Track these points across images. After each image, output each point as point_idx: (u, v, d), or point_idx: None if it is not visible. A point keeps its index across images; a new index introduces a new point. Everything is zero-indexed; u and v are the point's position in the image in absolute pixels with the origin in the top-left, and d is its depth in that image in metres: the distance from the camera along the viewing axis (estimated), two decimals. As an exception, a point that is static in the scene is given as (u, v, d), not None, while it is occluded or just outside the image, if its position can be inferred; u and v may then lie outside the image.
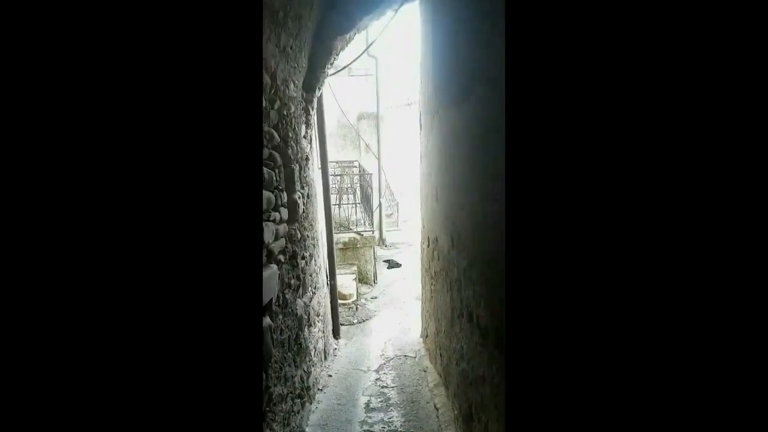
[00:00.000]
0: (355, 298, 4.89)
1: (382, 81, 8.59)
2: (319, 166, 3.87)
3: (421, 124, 3.93)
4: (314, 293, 3.17)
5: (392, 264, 7.51)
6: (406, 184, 16.03)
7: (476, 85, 1.85)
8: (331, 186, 6.23)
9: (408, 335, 4.51)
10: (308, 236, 2.96)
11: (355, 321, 4.71)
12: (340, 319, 4.65)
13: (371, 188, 5.98)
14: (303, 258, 2.77)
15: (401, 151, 15.84)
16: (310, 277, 3.00)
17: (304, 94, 2.92)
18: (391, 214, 11.27)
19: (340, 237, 5.82)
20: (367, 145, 8.36)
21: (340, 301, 4.77)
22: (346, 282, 5.19)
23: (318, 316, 3.29)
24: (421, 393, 3.09)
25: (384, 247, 8.90)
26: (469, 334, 2.15)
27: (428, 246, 3.51)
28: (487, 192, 1.71)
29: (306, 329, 2.82)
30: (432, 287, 3.30)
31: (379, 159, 8.49)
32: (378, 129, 8.52)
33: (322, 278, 3.86)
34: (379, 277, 6.50)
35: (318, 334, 3.26)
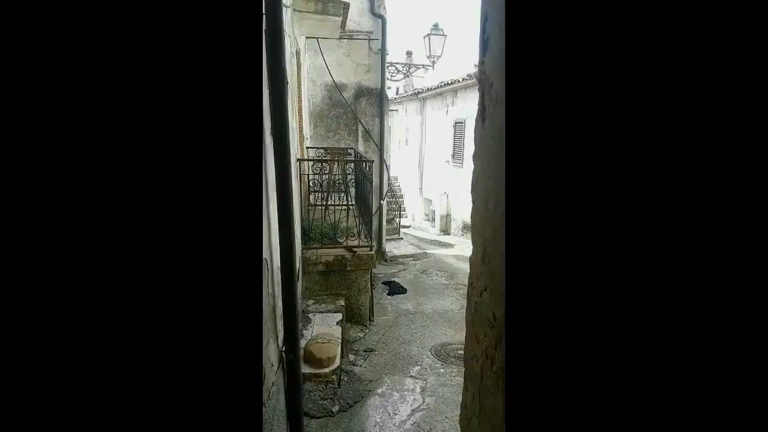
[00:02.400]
0: (337, 364, 2.93)
1: (392, 50, 6.69)
2: (270, 128, 1.93)
3: (485, 106, 1.96)
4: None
5: (394, 288, 5.58)
6: (407, 185, 14.21)
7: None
8: (311, 179, 4.32)
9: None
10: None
11: (336, 408, 2.75)
12: (312, 405, 2.68)
13: (371, 183, 4.04)
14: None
15: (402, 146, 14.19)
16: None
17: None
18: (392, 219, 9.35)
19: (323, 255, 3.88)
20: (366, 130, 6.43)
21: (312, 371, 2.81)
22: (324, 332, 3.23)
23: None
24: None
25: (383, 262, 6.97)
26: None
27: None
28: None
29: None
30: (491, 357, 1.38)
31: (381, 148, 6.55)
32: (381, 110, 6.58)
33: (270, 356, 1.92)
34: (377, 310, 4.57)
35: None
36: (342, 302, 3.88)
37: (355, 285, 4.03)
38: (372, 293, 4.41)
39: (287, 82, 1.91)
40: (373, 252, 4.01)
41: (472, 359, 1.16)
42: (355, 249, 3.96)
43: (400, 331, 4.18)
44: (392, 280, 5.93)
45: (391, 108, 8.17)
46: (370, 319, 4.33)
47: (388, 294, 5.38)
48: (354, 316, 4.13)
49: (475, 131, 1.11)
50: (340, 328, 3.44)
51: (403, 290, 5.50)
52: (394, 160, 12.75)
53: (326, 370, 2.84)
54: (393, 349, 3.80)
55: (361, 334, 4.04)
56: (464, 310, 1.21)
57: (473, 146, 1.13)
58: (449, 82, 10.13)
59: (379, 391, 3.08)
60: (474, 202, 1.19)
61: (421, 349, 3.80)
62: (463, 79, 9.44)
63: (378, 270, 6.23)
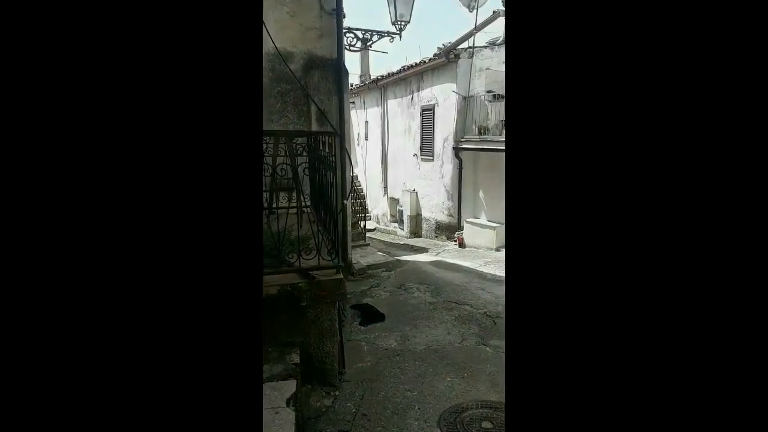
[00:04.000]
0: None
1: (350, 13, 5.33)
2: None
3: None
4: None
5: (368, 315, 4.21)
6: (370, 184, 12.78)
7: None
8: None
9: None
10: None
11: None
12: None
13: (333, 172, 2.64)
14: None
15: (362, 141, 12.69)
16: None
17: None
18: (356, 222, 7.98)
19: (263, 284, 2.46)
20: (320, 111, 5.03)
21: None
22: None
23: None
24: None
25: (350, 276, 5.58)
26: None
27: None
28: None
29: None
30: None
31: (341, 134, 5.16)
32: (340, 86, 5.20)
33: None
34: (348, 353, 3.19)
35: None
36: (295, 357, 2.47)
37: (315, 327, 2.63)
38: (341, 335, 3.02)
39: None
40: (340, 275, 2.63)
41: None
42: (313, 272, 2.56)
43: (385, 389, 2.81)
44: (364, 302, 4.56)
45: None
46: (340, 372, 2.95)
47: (360, 324, 4.00)
48: (315, 374, 2.72)
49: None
50: (292, 414, 2.03)
51: (380, 317, 4.14)
52: (353, 157, 11.36)
53: None
54: (379, 426, 2.44)
55: (327, 402, 2.64)
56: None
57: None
58: (413, 64, 8.92)
59: None
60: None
61: (424, 423, 2.46)
62: (431, 59, 8.27)
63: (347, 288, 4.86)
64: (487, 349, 3.39)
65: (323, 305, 2.61)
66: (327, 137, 2.77)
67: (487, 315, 4.08)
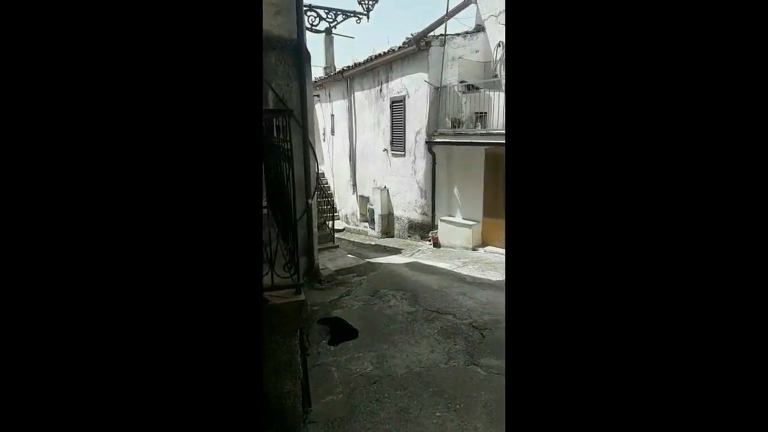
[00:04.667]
0: None
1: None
2: None
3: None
4: None
5: (338, 331, 3.65)
6: (338, 181, 12.10)
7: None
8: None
9: None
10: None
11: None
12: None
13: (290, 163, 2.06)
14: None
15: (328, 137, 11.97)
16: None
17: None
18: (323, 223, 7.36)
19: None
20: (279, 98, 4.40)
21: None
22: None
23: None
24: None
25: (317, 284, 5.00)
26: None
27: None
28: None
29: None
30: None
31: (303, 125, 4.56)
32: (301, 70, 4.60)
33: None
34: (315, 380, 2.63)
35: None
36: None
37: (270, 362, 2.06)
38: (305, 367, 2.45)
39: None
40: (302, 295, 2.06)
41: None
42: (266, 294, 1.98)
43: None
44: (333, 315, 3.99)
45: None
46: (304, 412, 2.38)
47: (329, 343, 3.44)
48: (273, 417, 2.15)
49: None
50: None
51: (352, 333, 3.59)
52: (318, 153, 10.70)
53: None
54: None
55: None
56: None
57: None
58: (381, 53, 8.39)
59: None
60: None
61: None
62: (400, 47, 7.76)
63: (310, 297, 4.27)
64: (479, 370, 2.92)
65: (280, 335, 2.03)
66: (280, 119, 2.19)
67: (473, 326, 3.62)
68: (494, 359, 3.00)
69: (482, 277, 5.41)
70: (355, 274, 5.62)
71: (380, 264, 6.55)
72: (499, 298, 4.32)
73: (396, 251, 7.75)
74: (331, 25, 5.10)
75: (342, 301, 4.50)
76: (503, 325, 3.60)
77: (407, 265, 6.46)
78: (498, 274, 5.49)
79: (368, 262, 6.65)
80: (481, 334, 3.48)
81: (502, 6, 6.95)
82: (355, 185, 10.39)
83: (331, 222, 7.86)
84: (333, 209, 10.08)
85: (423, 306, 4.18)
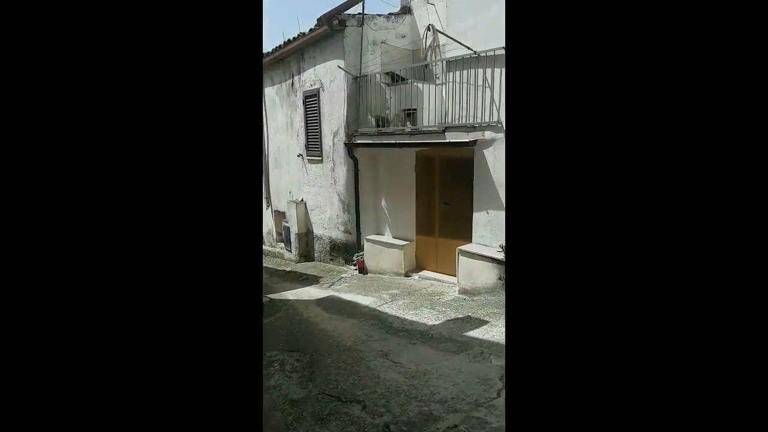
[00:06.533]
0: None
1: None
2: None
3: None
4: None
5: None
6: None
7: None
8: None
9: None
10: None
11: None
12: None
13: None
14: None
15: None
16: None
17: None
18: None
19: None
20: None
21: None
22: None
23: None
24: None
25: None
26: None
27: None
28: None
29: None
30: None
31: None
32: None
33: None
34: None
35: None
36: None
37: None
38: None
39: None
40: None
41: None
42: None
43: None
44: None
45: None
46: None
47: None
48: None
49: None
50: None
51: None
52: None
53: None
54: None
55: None
56: None
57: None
58: (291, 39, 6.92)
59: None
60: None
61: None
62: (311, 30, 6.33)
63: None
64: None
65: None
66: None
67: (390, 433, 2.19)
68: None
69: (414, 319, 4.03)
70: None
71: (286, 301, 4.99)
72: (437, 361, 2.95)
73: (313, 280, 6.23)
74: None
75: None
76: (440, 425, 2.23)
77: (321, 301, 4.96)
78: (435, 313, 4.14)
79: (270, 299, 5.07)
80: (405, 451, 2.05)
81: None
82: (269, 198, 8.71)
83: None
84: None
85: (319, 387, 2.70)
